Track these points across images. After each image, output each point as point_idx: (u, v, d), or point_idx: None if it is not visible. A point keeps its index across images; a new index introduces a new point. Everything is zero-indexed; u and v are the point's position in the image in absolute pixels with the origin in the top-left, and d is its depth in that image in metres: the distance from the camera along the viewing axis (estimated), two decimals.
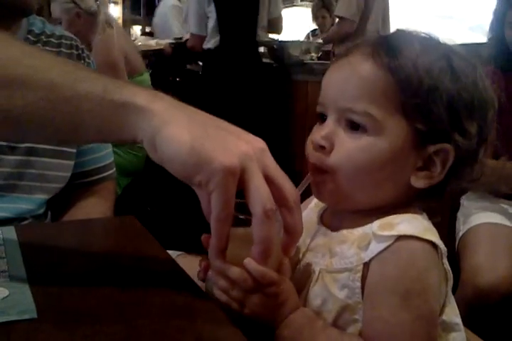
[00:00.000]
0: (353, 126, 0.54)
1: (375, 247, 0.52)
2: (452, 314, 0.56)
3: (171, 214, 2.27)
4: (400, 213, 0.55)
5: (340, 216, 0.60)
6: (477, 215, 1.38)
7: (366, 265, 0.53)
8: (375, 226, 0.54)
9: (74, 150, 0.98)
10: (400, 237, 0.51)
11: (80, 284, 0.55)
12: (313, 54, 2.89)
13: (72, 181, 1.00)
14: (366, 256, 0.53)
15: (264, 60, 2.96)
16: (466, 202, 1.47)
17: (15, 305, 0.48)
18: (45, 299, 0.50)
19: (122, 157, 2.07)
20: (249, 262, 0.49)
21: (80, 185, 1.02)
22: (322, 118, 0.58)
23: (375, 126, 0.53)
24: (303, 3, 5.41)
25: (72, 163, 0.98)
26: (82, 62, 1.03)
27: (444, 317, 0.55)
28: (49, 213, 0.99)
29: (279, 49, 2.87)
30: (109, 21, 2.14)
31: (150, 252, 0.65)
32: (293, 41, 3.06)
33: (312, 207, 0.65)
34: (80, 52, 1.03)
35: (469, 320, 0.67)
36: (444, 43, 0.57)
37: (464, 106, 0.54)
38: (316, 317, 0.54)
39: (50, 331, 0.45)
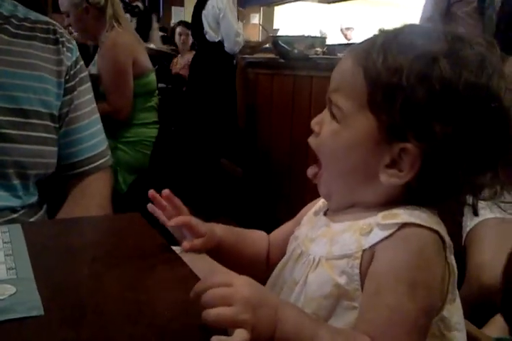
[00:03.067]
0: (332, 115, 0.59)
1: (377, 234, 0.53)
2: (455, 313, 0.56)
3: None
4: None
5: (343, 212, 0.60)
6: (484, 209, 1.37)
7: (366, 252, 0.53)
8: (379, 217, 0.54)
9: (54, 136, 0.95)
10: (404, 225, 0.52)
11: (85, 281, 0.55)
12: (318, 49, 2.87)
13: (66, 172, 0.99)
14: (366, 242, 0.53)
15: (269, 56, 2.95)
16: None
17: (22, 303, 0.48)
18: (51, 296, 0.50)
19: (128, 154, 2.07)
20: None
21: (74, 175, 1.01)
22: None
23: (342, 117, 0.57)
24: None
25: (54, 149, 0.96)
26: (61, 46, 0.99)
27: (445, 313, 0.54)
28: (45, 206, 0.98)
29: (283, 44, 2.84)
30: (118, 17, 2.08)
31: (155, 248, 0.65)
32: (298, 36, 3.04)
33: (320, 205, 0.66)
34: (59, 36, 1.00)
35: (473, 319, 0.67)
36: (443, 43, 0.54)
37: (437, 108, 0.51)
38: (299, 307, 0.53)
39: (57, 328, 0.46)
